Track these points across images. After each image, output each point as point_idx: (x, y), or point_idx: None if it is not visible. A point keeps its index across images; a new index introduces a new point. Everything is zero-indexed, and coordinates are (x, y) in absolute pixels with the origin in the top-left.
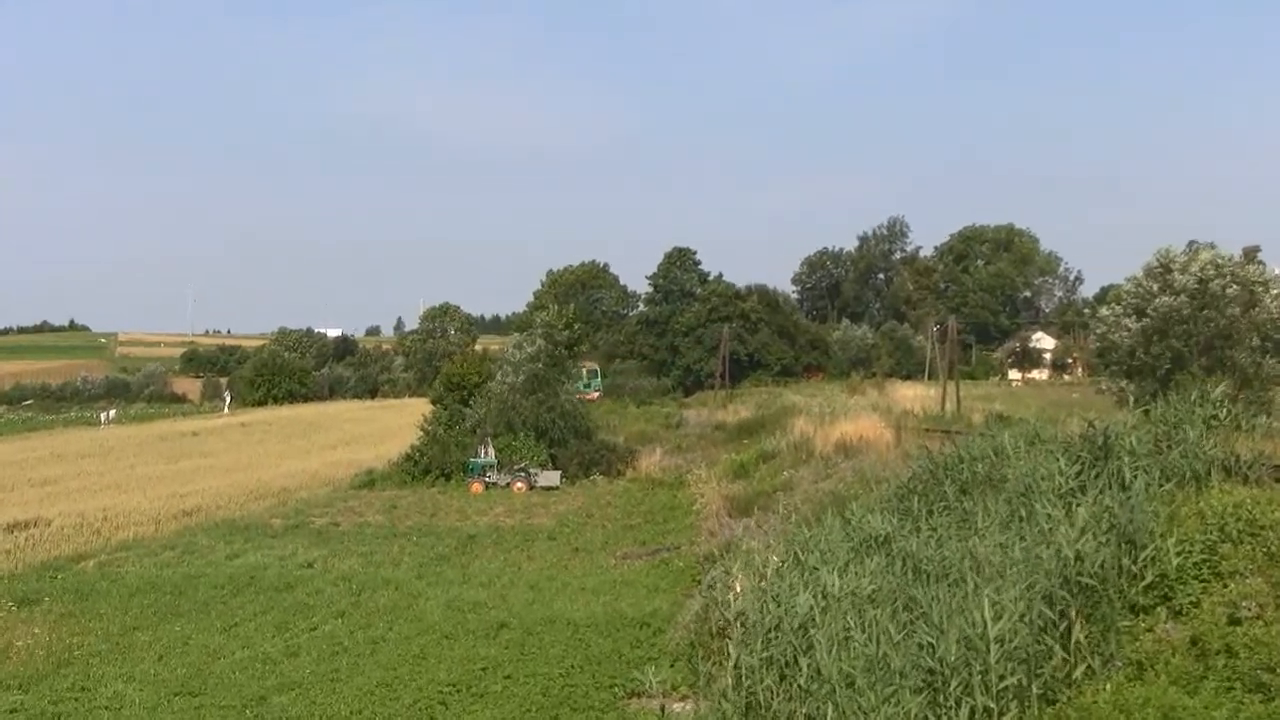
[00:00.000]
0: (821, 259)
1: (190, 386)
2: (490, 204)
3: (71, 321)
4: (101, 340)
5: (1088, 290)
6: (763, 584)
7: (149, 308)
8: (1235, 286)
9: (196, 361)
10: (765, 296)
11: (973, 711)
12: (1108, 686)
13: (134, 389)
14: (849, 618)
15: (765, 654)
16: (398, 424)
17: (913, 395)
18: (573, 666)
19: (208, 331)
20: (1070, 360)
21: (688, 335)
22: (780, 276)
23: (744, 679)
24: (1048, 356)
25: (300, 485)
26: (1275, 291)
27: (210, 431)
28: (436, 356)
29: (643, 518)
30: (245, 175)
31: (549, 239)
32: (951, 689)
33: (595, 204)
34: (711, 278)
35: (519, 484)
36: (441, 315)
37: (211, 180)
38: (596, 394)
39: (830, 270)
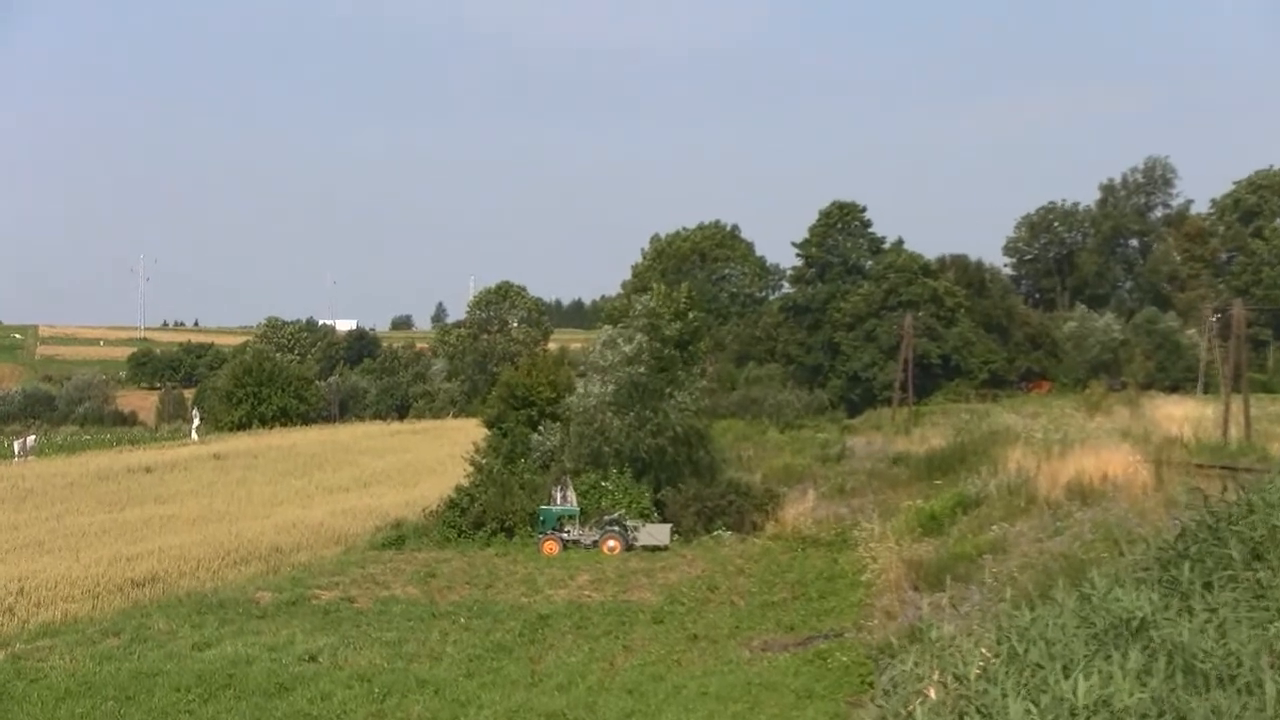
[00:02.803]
0: (1047, 219)
1: (142, 402)
2: (567, 141)
3: None
4: (15, 336)
5: None
6: (964, 688)
7: (82, 291)
8: None
9: (151, 366)
10: (966, 272)
11: None
12: None
13: (62, 405)
14: None
15: None
16: (437, 456)
17: (1181, 415)
18: None
19: (166, 324)
20: None
21: (853, 329)
22: (987, 243)
23: None
24: None
25: (298, 544)
26: None
27: (171, 467)
28: (493, 359)
29: (789, 591)
30: (212, 103)
31: (652, 191)
32: None
33: (717, 140)
34: (888, 245)
35: (611, 542)
36: (500, 300)
37: (165, 111)
38: None
39: (1060, 235)
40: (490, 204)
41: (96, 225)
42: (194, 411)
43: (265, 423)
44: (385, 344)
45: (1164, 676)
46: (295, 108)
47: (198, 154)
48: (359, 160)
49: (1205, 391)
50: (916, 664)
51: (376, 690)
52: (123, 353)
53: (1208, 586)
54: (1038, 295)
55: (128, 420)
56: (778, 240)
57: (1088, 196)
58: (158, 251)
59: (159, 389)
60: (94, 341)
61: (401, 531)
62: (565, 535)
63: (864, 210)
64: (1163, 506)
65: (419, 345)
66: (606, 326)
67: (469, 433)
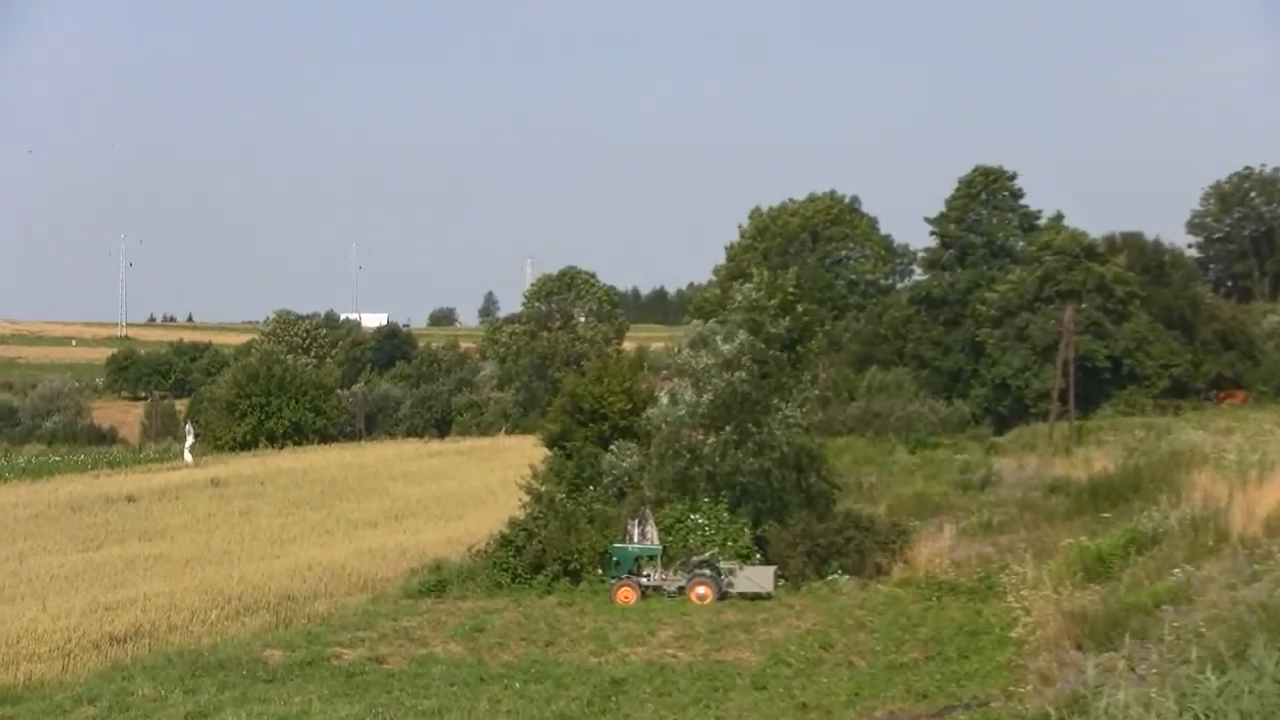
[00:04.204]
0: (1242, 188)
1: (123, 415)
2: (645, 96)
3: None
4: None
5: None
6: None
7: (50, 280)
8: None
9: (134, 371)
10: (1142, 254)
11: None
12: None
13: (26, 419)
14: None
15: None
16: (486, 483)
17: None
18: None
19: (153, 319)
20: None
21: (1001, 324)
22: (1168, 219)
23: None
24: None
25: (315, 590)
26: None
27: (159, 495)
28: (555, 362)
29: (921, 649)
30: (209, 55)
31: (752, 155)
32: None
33: (832, 92)
34: (1044, 221)
35: (701, 589)
36: (564, 289)
37: (151, 65)
38: None
39: (1258, 209)
40: (552, 172)
41: (68, 199)
42: (187, 427)
43: (274, 441)
44: (422, 343)
45: None
46: (310, 59)
47: (191, 117)
48: (389, 120)
49: None
50: None
51: None
52: (100, 354)
53: None
54: (1230, 283)
55: (106, 438)
56: (907, 215)
57: None
58: (143, 231)
59: (144, 399)
60: (65, 341)
61: (442, 575)
62: (644, 580)
63: (1014, 178)
64: None
65: (464, 345)
66: (696, 322)
67: (525, 453)
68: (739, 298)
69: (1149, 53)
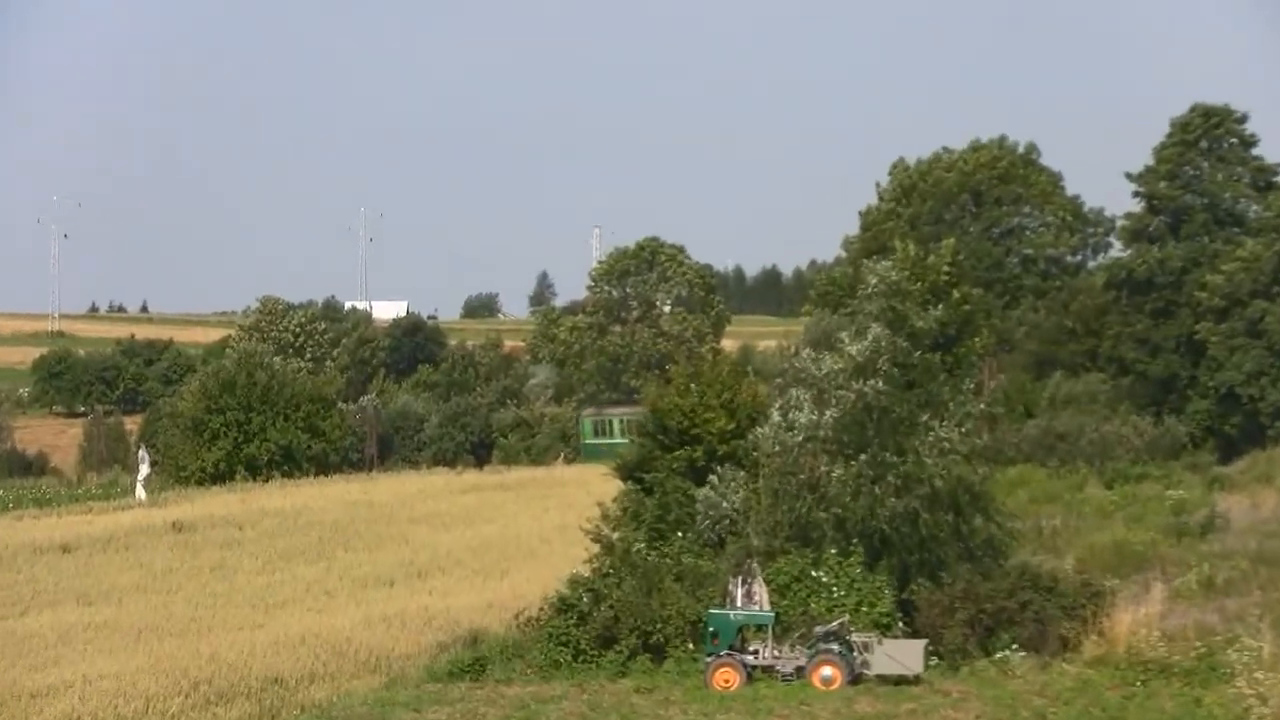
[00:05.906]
0: None
1: (55, 437)
2: (742, 19)
3: None
4: None
5: None
6: None
7: None
8: None
9: (70, 378)
10: None
11: None
12: None
13: None
14: None
15: None
16: (539, 528)
17: None
18: None
19: (95, 309)
20: None
21: (1228, 316)
22: None
23: None
24: None
25: (311, 670)
26: None
27: (104, 544)
28: (630, 365)
29: None
30: None
31: (892, 92)
32: None
33: (996, 10)
34: None
35: (827, 670)
36: (643, 268)
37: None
38: None
39: None
40: (625, 116)
41: None
42: (141, 454)
43: (257, 472)
44: (454, 341)
45: None
46: None
47: (152, 49)
48: (407, 55)
49: None
50: None
51: None
52: (25, 355)
53: None
54: None
55: (32, 467)
56: (1102, 170)
57: None
58: (80, 194)
59: (83, 415)
60: None
61: (480, 652)
62: (751, 658)
63: (1244, 120)
64: None
65: (509, 344)
66: (819, 312)
67: (591, 488)
68: (875, 280)
69: None
